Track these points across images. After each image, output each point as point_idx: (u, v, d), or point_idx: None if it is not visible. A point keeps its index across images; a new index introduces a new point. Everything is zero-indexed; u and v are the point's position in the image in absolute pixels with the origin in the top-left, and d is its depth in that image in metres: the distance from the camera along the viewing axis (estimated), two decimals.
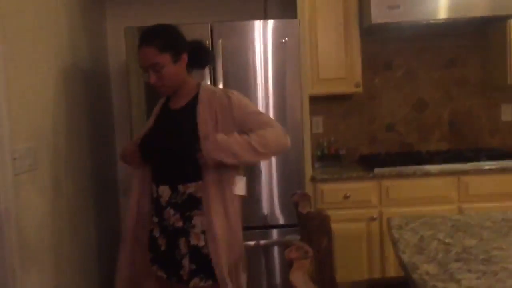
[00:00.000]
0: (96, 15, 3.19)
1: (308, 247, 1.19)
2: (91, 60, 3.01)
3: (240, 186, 1.86)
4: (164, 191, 1.82)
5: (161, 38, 1.77)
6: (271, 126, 1.77)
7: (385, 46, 3.48)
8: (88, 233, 2.80)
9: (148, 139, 1.89)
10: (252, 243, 2.69)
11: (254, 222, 2.72)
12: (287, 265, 1.17)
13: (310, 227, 1.55)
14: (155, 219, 1.87)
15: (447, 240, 1.65)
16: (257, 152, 1.72)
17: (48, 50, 2.38)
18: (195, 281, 1.77)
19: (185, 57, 1.83)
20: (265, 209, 2.77)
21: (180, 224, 1.80)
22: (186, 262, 1.79)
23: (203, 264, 1.77)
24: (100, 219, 2.97)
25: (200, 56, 1.91)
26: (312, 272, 1.16)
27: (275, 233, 2.77)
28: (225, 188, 1.79)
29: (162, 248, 1.86)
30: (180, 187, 1.79)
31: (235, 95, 1.83)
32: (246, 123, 1.77)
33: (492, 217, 1.92)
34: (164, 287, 1.91)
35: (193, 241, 1.79)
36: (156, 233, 1.88)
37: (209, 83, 2.69)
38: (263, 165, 2.76)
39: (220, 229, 1.75)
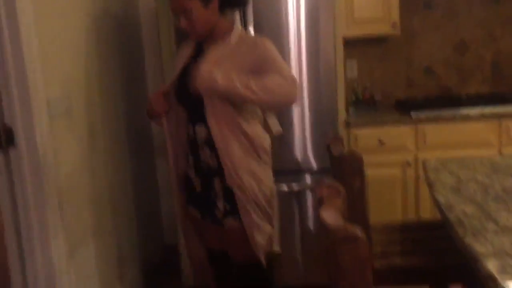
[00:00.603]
0: None
1: (340, 185, 1.17)
2: (121, 5, 2.98)
3: (273, 123, 1.85)
4: (201, 131, 1.81)
5: None
6: (281, 75, 1.70)
7: None
8: (125, 179, 2.87)
9: (182, 81, 1.88)
10: (285, 187, 2.69)
11: (286, 167, 2.71)
12: (318, 204, 1.15)
13: (343, 169, 1.52)
14: (191, 159, 1.88)
15: (485, 181, 1.60)
16: (253, 91, 1.65)
17: None
18: (229, 221, 1.79)
19: (215, 1, 1.78)
20: (298, 153, 2.75)
21: (215, 163, 1.80)
22: (220, 202, 1.81)
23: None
24: (135, 163, 3.03)
25: None
26: (345, 212, 1.14)
27: (307, 177, 2.76)
28: (237, 127, 1.77)
29: (197, 189, 1.88)
30: None
31: (263, 43, 1.77)
32: (261, 67, 1.73)
33: None
34: (199, 227, 1.94)
35: (227, 182, 1.79)
36: (191, 174, 1.89)
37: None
38: (296, 110, 2.72)
39: (239, 167, 1.75)
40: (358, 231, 0.87)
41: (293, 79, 1.71)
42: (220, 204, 1.80)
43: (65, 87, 2.20)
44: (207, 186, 1.83)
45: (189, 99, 1.86)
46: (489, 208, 1.35)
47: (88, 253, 2.36)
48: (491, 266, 1.02)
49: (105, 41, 2.68)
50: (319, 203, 1.12)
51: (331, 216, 1.01)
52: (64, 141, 2.16)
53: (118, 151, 2.78)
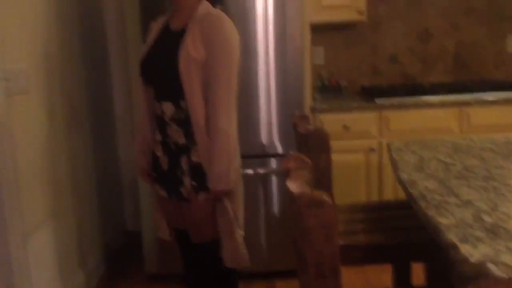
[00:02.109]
0: None
1: (306, 157, 1.16)
2: None
3: None
4: (168, 107, 1.78)
5: None
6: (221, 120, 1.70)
7: None
8: (86, 161, 2.79)
9: (148, 61, 1.84)
10: (250, 171, 2.68)
11: (252, 151, 2.69)
12: (284, 176, 1.14)
13: (309, 145, 1.52)
14: (158, 137, 1.84)
15: (447, 160, 1.62)
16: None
17: None
18: (201, 195, 1.76)
19: None
20: (264, 138, 2.74)
21: (183, 140, 1.77)
22: (187, 180, 1.78)
23: (205, 180, 1.76)
24: (97, 147, 2.96)
25: None
26: (311, 183, 1.13)
27: (273, 162, 2.75)
28: None
29: (164, 167, 1.85)
30: (182, 103, 1.75)
31: (223, 34, 1.71)
32: (209, 86, 1.71)
33: (495, 140, 1.89)
34: (165, 206, 1.91)
35: (194, 158, 1.77)
36: (158, 152, 1.86)
37: None
38: (262, 94, 2.70)
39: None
40: (324, 196, 0.86)
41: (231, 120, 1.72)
42: (187, 182, 1.77)
43: (23, 63, 2.11)
44: (174, 164, 1.80)
45: (156, 78, 1.83)
46: (451, 184, 1.38)
47: (47, 237, 2.28)
48: (453, 235, 1.04)
49: (66, 17, 2.59)
50: (285, 174, 1.10)
51: (297, 185, 1.00)
52: (21, 119, 2.08)
53: (79, 131, 2.70)
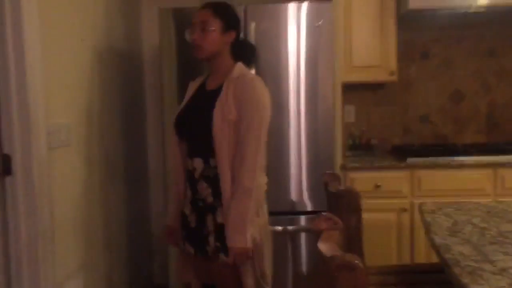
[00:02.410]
0: None
1: (337, 218, 1.17)
2: (125, 41, 3.04)
3: None
4: (198, 164, 1.83)
5: (220, 7, 1.86)
6: (247, 170, 1.73)
7: (422, 34, 3.40)
8: (118, 211, 2.84)
9: (183, 117, 1.91)
10: (279, 228, 2.67)
11: (282, 208, 2.69)
12: (316, 236, 1.14)
13: (340, 205, 1.52)
14: (189, 194, 1.88)
15: (482, 225, 1.59)
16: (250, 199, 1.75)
17: (84, 29, 2.41)
18: (220, 257, 1.77)
19: (232, 34, 1.87)
20: (294, 195, 2.74)
21: (211, 199, 1.80)
22: (211, 239, 1.80)
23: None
24: (130, 201, 3.01)
25: (245, 49, 1.95)
26: (342, 244, 1.13)
27: (302, 219, 2.74)
28: None
29: (192, 225, 1.87)
30: (211, 161, 1.79)
31: (254, 95, 1.77)
32: (239, 140, 1.76)
33: None
34: (190, 262, 1.92)
35: (219, 219, 1.79)
36: (187, 210, 1.89)
37: None
38: (293, 152, 2.74)
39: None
40: (356, 260, 0.86)
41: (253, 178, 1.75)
42: (212, 241, 1.79)
43: (65, 118, 2.22)
44: (201, 222, 1.83)
45: (189, 134, 1.89)
46: (486, 250, 1.35)
47: None
48: None
49: (108, 76, 2.72)
50: (317, 235, 1.11)
51: (329, 247, 1.01)
52: (61, 171, 2.16)
53: (113, 184, 2.77)
